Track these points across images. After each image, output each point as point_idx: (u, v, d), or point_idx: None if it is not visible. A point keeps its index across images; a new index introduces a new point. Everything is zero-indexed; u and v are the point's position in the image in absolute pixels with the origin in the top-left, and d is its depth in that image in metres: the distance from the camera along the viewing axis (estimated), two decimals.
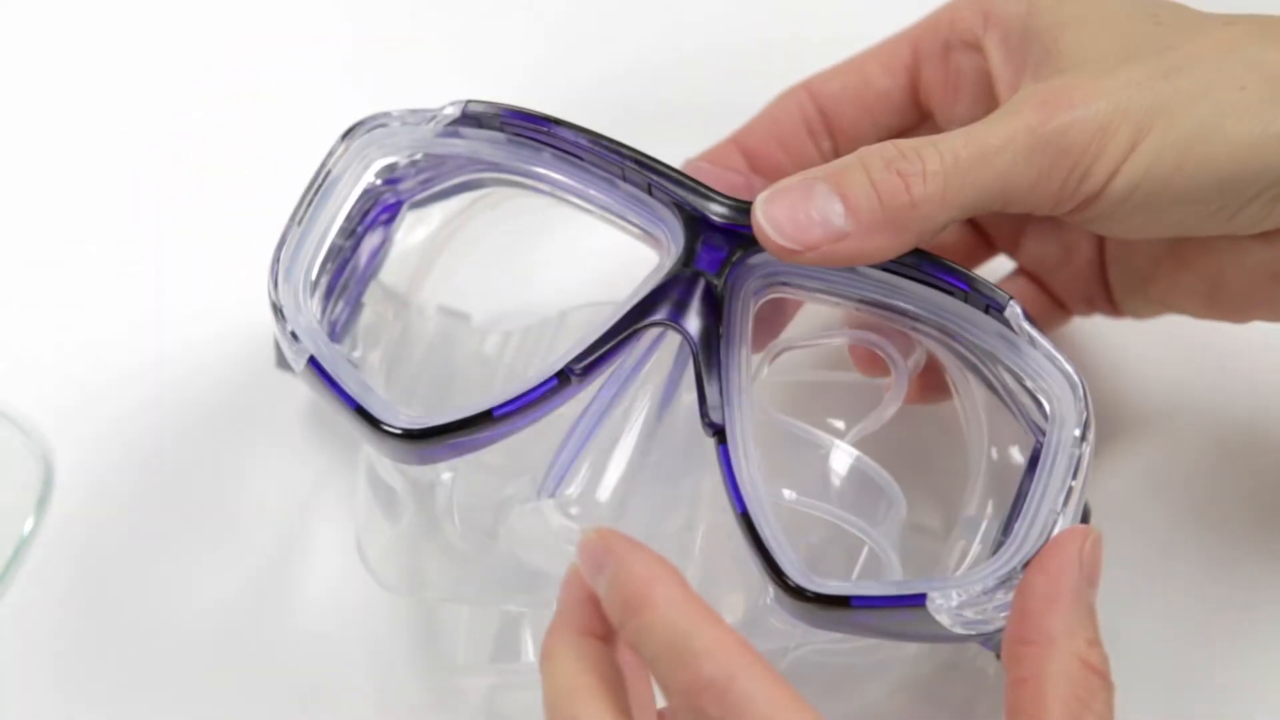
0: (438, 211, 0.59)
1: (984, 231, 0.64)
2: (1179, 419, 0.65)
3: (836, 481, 0.56)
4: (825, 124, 0.61)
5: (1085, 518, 0.55)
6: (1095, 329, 0.66)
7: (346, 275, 0.57)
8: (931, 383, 0.58)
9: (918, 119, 0.61)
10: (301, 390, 0.64)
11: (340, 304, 0.57)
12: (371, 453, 0.59)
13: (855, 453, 0.56)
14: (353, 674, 0.61)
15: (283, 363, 0.61)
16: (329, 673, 0.61)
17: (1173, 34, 0.54)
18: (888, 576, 0.55)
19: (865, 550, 0.56)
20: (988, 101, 0.57)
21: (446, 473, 0.58)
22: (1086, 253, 0.61)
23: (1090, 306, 0.62)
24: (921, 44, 0.60)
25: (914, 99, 0.61)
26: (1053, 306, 0.62)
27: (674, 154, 0.55)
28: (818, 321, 0.62)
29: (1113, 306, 0.62)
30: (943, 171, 0.51)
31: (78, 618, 0.62)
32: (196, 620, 0.62)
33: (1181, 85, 0.52)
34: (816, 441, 0.56)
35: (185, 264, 0.69)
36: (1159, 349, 0.66)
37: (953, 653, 0.60)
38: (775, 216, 0.51)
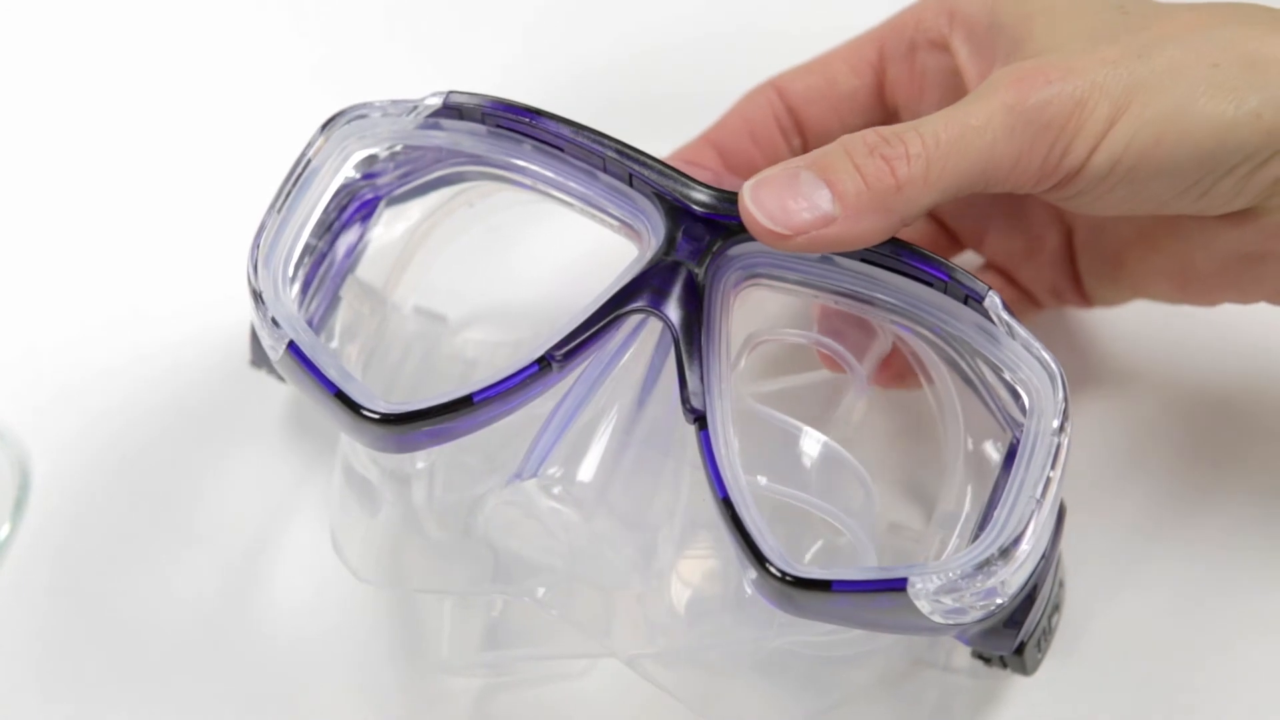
0: (415, 207, 0.59)
1: (949, 228, 0.64)
2: (1144, 402, 0.66)
3: (811, 470, 0.56)
4: (795, 122, 0.61)
5: (1061, 515, 0.55)
6: (1060, 314, 0.66)
7: (324, 269, 0.57)
8: (897, 369, 0.58)
9: (884, 118, 0.62)
10: (278, 390, 0.64)
11: (317, 299, 0.57)
12: (348, 447, 0.59)
13: (828, 441, 0.56)
14: (334, 671, 0.61)
15: (257, 360, 0.62)
16: (310, 670, 0.61)
17: (1141, 19, 0.54)
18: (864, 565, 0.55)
19: (843, 541, 0.56)
20: (955, 99, 0.58)
21: (422, 463, 0.58)
22: (1053, 243, 0.62)
23: (1058, 298, 0.63)
24: (887, 44, 0.61)
25: (880, 98, 0.61)
26: (1021, 299, 0.63)
27: (653, 149, 0.55)
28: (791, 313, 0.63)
29: (1082, 296, 0.63)
30: (925, 154, 0.52)
31: (56, 620, 0.62)
32: (175, 620, 0.62)
33: (1156, 64, 0.53)
34: (791, 430, 0.56)
35: (159, 264, 0.69)
36: (1123, 335, 0.66)
37: (927, 650, 0.60)
38: (764, 203, 0.52)
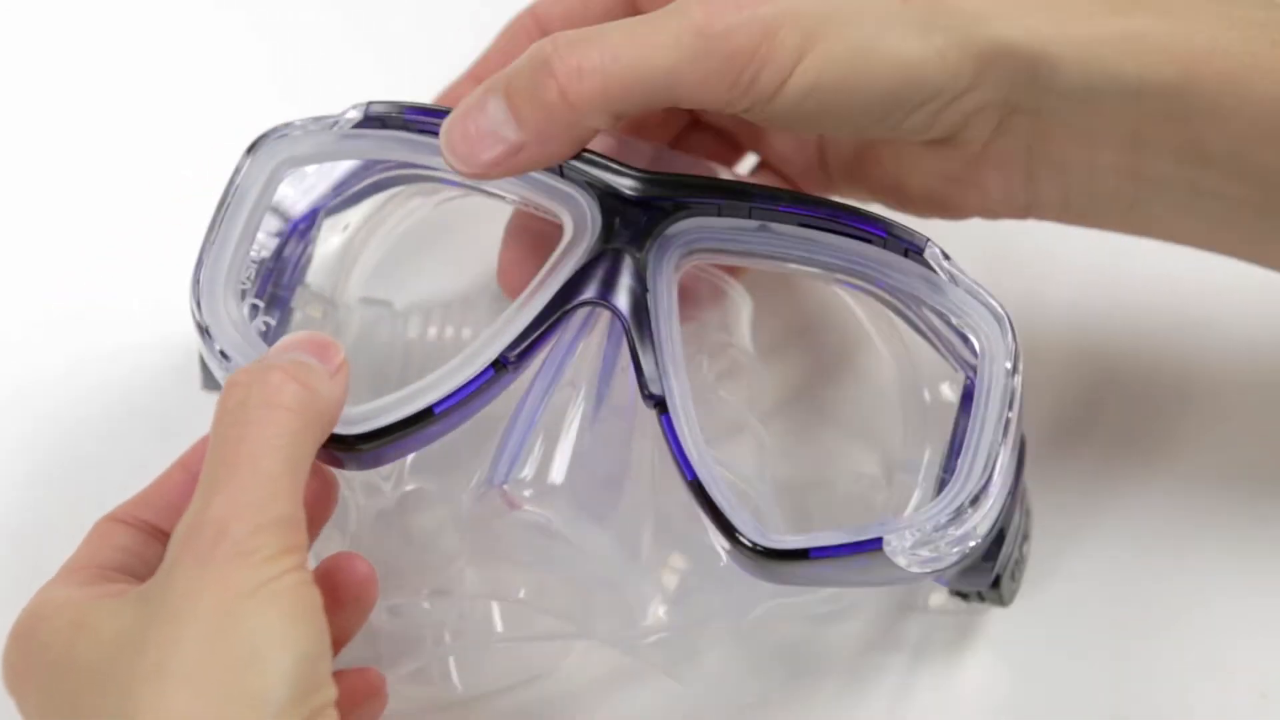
0: (353, 214, 0.60)
1: (729, 134, 0.64)
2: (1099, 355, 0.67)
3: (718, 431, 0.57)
4: None
5: (1023, 448, 0.56)
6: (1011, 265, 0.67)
7: (272, 286, 0.57)
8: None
9: None
10: None
11: (271, 314, 0.57)
12: None
13: (727, 399, 0.57)
14: None
15: (209, 384, 0.61)
16: None
17: None
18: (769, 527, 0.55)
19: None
20: None
21: (387, 472, 0.58)
22: (813, 143, 0.63)
23: (818, 191, 0.63)
24: None
25: (634, 11, 0.61)
26: None
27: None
28: None
29: (833, 190, 0.63)
30: (601, 69, 0.51)
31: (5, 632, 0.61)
32: None
33: None
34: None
35: (111, 266, 0.69)
36: (1074, 287, 0.68)
37: (906, 594, 0.61)
38: (456, 146, 0.52)
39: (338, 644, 0.51)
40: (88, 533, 0.52)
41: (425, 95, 0.64)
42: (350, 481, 0.59)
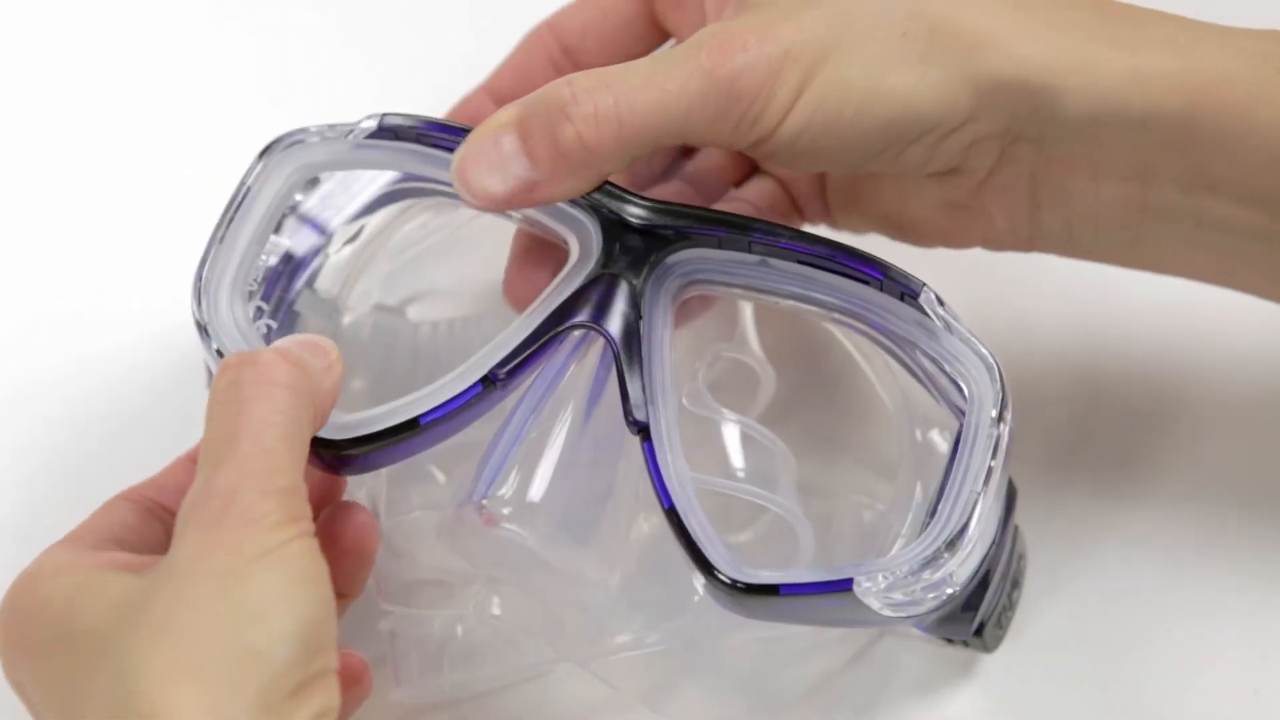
0: (363, 224, 0.60)
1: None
2: (1089, 385, 0.66)
3: (736, 454, 0.57)
4: (572, 62, 0.62)
5: (1012, 496, 0.56)
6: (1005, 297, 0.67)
7: (279, 290, 0.58)
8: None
9: (661, 40, 0.62)
10: None
11: (276, 318, 0.58)
12: None
13: (747, 422, 0.57)
14: None
15: None
16: None
17: None
18: (802, 545, 0.56)
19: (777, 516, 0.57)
20: (716, 19, 0.58)
21: (363, 489, 0.58)
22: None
23: (819, 216, 0.63)
24: None
25: (653, 24, 0.62)
26: (792, 211, 0.63)
27: None
28: None
29: (830, 220, 0.63)
30: (616, 116, 0.52)
31: None
32: None
33: (846, 32, 0.54)
34: (714, 417, 0.58)
35: (111, 267, 0.69)
36: (1067, 318, 0.67)
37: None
38: (469, 180, 0.53)
39: (341, 598, 0.52)
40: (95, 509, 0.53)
41: (425, 97, 0.64)
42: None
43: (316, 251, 0.59)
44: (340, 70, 0.74)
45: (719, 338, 0.61)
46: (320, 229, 0.59)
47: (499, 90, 0.63)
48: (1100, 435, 0.65)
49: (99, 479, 0.63)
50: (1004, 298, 0.67)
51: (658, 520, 0.54)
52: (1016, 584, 0.59)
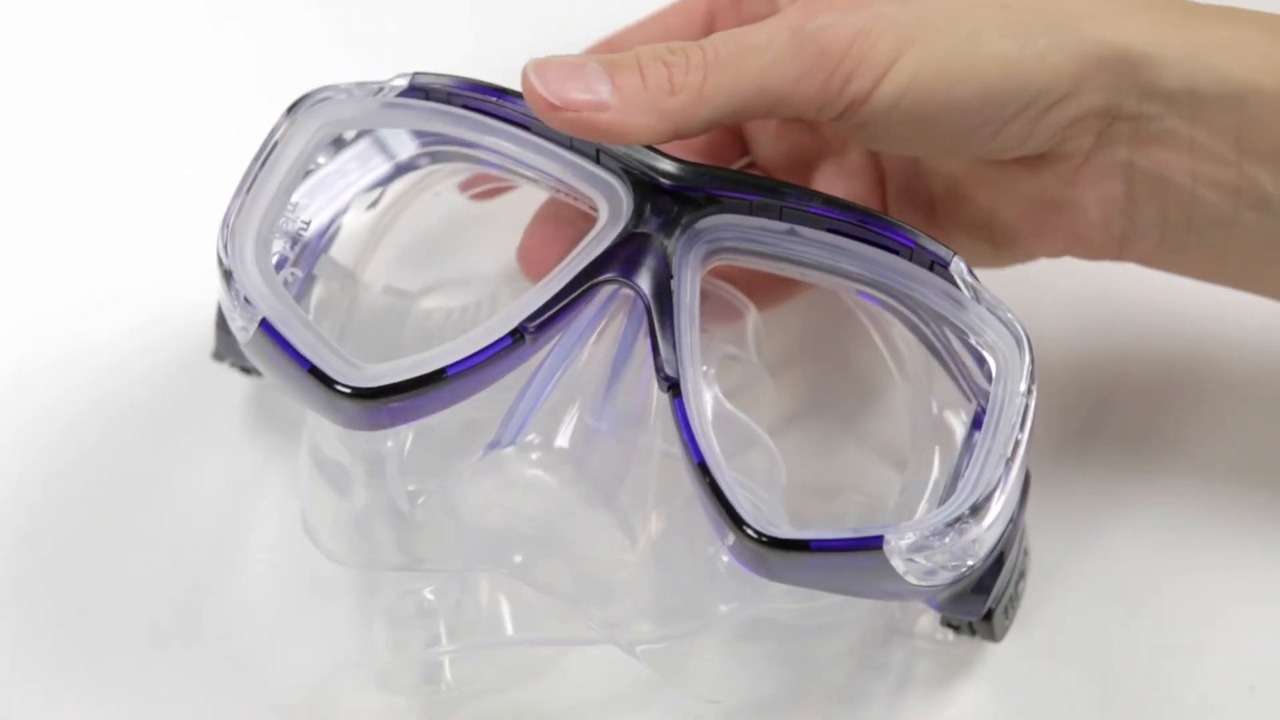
0: (384, 190, 0.60)
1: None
2: (1101, 371, 0.67)
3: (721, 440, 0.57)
4: None
5: (1027, 482, 0.56)
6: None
7: (299, 249, 0.57)
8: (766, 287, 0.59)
9: None
10: (237, 380, 0.64)
11: (293, 276, 0.57)
12: (315, 430, 0.59)
13: (733, 410, 0.57)
14: (297, 669, 0.60)
15: (221, 352, 0.62)
16: (272, 669, 0.60)
17: None
18: None
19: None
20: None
21: (391, 441, 0.58)
22: (864, 189, 0.62)
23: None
24: None
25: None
26: None
27: None
28: None
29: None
30: (704, 65, 0.53)
31: (12, 618, 0.61)
32: (133, 613, 0.61)
33: (946, 3, 0.54)
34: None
35: (112, 251, 0.69)
36: (1078, 302, 0.68)
37: (898, 617, 0.61)
38: (545, 74, 0.53)
39: None
40: None
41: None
42: (354, 469, 0.59)
43: (336, 215, 0.59)
44: (340, 70, 0.73)
45: (727, 341, 0.61)
46: (341, 191, 0.59)
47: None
48: (1101, 435, 0.65)
49: (97, 475, 0.64)
50: (1006, 298, 0.67)
51: (681, 485, 0.53)
52: (1023, 575, 0.59)
